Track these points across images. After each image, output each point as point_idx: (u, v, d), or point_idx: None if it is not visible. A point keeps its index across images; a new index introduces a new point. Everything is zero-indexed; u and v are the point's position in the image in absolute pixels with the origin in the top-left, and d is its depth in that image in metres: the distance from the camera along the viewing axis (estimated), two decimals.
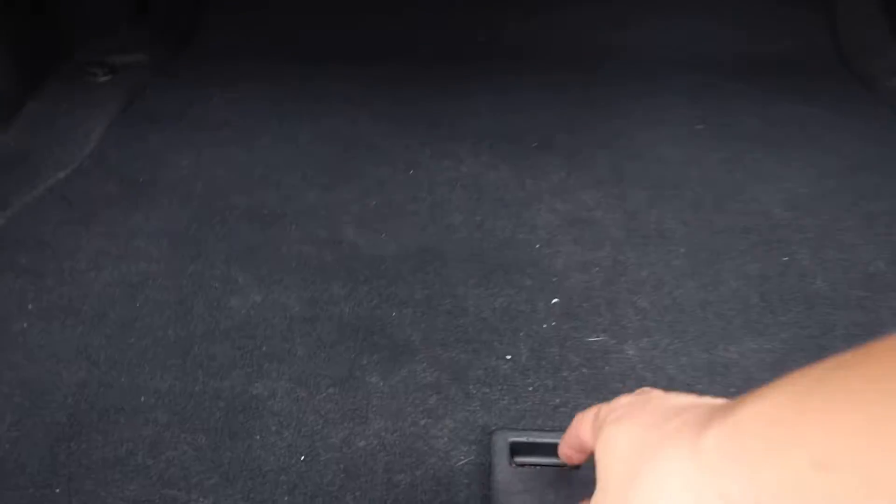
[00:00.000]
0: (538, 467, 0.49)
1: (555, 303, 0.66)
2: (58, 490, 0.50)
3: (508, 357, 0.61)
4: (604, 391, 0.58)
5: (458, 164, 0.84)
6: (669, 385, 0.59)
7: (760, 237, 0.74)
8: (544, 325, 0.64)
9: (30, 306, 0.65)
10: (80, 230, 0.73)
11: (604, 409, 0.37)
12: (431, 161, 0.84)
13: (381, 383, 0.58)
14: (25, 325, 0.63)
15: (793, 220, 0.77)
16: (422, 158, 0.85)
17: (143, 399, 0.57)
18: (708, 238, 0.74)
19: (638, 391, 0.38)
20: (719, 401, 0.34)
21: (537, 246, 0.73)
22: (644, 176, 0.83)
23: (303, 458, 0.53)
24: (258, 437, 0.54)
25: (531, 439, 0.51)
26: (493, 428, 0.54)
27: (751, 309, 0.66)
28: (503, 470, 0.49)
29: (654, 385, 0.59)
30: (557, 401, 0.57)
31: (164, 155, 0.84)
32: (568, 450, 0.40)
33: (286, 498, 0.50)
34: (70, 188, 0.79)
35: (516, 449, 0.51)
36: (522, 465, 0.50)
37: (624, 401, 0.37)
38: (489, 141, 0.88)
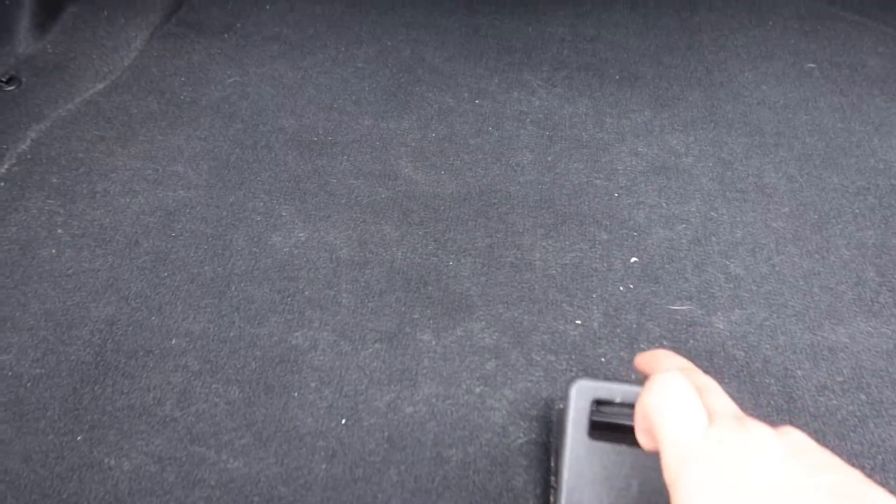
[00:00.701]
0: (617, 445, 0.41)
1: (634, 262, 0.58)
2: (79, 439, 0.46)
3: (578, 322, 0.53)
4: None
5: (529, 96, 0.75)
6: (764, 368, 0.51)
7: (879, 200, 0.64)
8: (620, 287, 0.56)
9: (59, 230, 0.60)
10: (115, 149, 0.68)
11: (689, 416, 0.28)
12: (500, 90, 0.75)
13: (434, 342, 0.52)
14: (54, 251, 0.58)
15: None
16: (490, 87, 0.76)
17: (174, 342, 0.52)
18: (816, 197, 0.64)
19: (764, 426, 0.28)
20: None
21: (616, 194, 0.64)
22: (743, 120, 0.72)
23: (343, 421, 0.47)
24: (296, 393, 0.49)
25: (616, 397, 0.40)
26: (559, 405, 0.47)
27: (865, 284, 0.57)
28: (578, 442, 0.40)
29: (747, 367, 0.51)
30: (633, 376, 0.50)
31: (208, 70, 0.77)
32: (640, 434, 0.32)
33: (323, 466, 0.45)
34: (108, 102, 0.73)
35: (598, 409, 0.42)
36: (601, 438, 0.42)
37: (722, 430, 0.27)
38: (566, 71, 0.78)
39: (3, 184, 0.64)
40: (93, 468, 0.44)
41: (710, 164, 0.67)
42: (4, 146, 0.67)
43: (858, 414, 0.49)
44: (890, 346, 0.53)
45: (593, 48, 0.81)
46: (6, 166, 0.65)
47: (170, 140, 0.69)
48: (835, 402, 0.49)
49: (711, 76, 0.78)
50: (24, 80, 0.78)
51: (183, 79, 0.76)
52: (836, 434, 0.48)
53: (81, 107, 0.72)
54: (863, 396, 0.50)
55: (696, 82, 0.77)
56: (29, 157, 0.66)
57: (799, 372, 0.51)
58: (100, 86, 0.76)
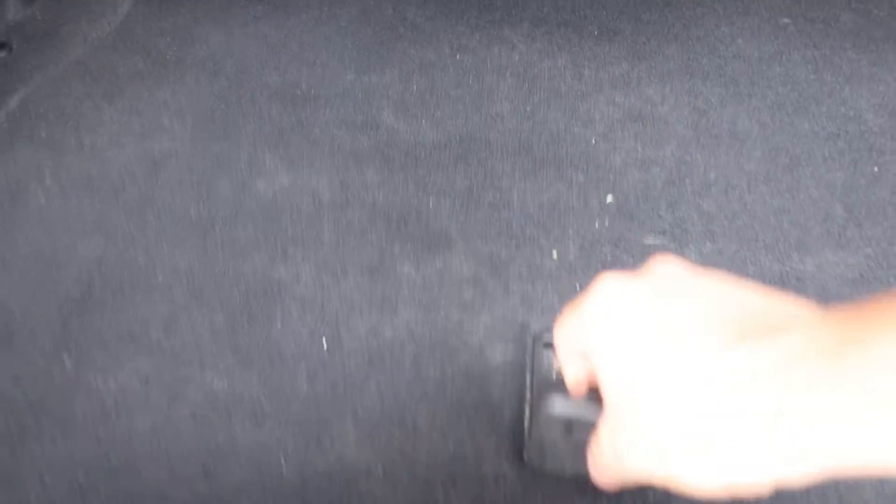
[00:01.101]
0: None
1: (609, 201, 0.60)
2: (67, 361, 0.47)
3: (554, 254, 0.55)
4: None
5: (510, 51, 0.76)
6: None
7: (848, 144, 0.66)
8: (596, 224, 0.58)
9: (48, 181, 0.61)
10: (102, 105, 0.69)
11: (592, 298, 0.30)
12: (481, 46, 0.77)
13: (414, 273, 0.54)
14: (43, 199, 0.59)
15: (888, 127, 0.67)
16: (470, 43, 0.77)
17: (160, 278, 0.53)
18: (787, 142, 0.66)
19: (647, 267, 0.31)
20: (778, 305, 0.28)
21: (593, 141, 0.66)
22: (718, 72, 0.74)
23: (325, 345, 0.49)
24: (279, 322, 0.50)
25: None
26: (536, 330, 0.49)
27: (833, 220, 0.59)
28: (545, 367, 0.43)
29: None
30: None
31: (193, 31, 0.78)
32: (573, 370, 0.34)
33: (305, 385, 0.46)
34: (95, 61, 0.74)
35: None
36: None
37: (617, 285, 0.30)
38: (545, 27, 0.80)
39: None
40: (80, 388, 0.46)
41: (686, 113, 0.69)
42: None
43: None
44: (856, 275, 0.55)
45: (573, 5, 0.83)
46: None
47: (155, 96, 0.70)
48: None
49: (688, 31, 0.80)
50: (14, 46, 0.79)
51: (168, 39, 0.77)
52: None
53: (69, 67, 0.73)
54: None
55: (672, 37, 0.79)
56: (17, 113, 0.68)
57: None
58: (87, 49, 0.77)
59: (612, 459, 0.31)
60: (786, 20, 0.81)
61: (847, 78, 0.73)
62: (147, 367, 0.47)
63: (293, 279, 0.53)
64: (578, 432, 0.34)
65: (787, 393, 0.24)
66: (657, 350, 0.27)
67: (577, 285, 0.53)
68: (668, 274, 0.30)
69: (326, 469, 0.42)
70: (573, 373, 0.33)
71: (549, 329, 0.47)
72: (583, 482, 0.40)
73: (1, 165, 0.62)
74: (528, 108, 0.69)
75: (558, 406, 0.34)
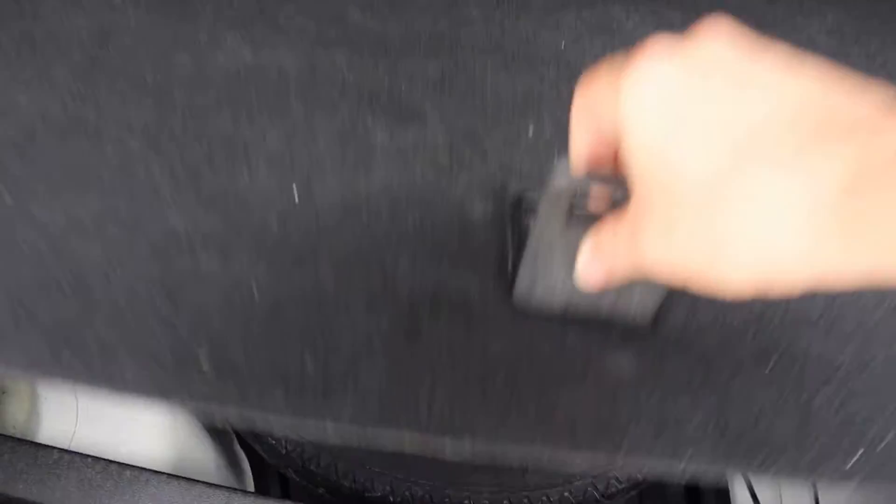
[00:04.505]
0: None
1: None
2: (5, 194, 0.43)
3: (531, 129, 0.54)
4: None
5: None
6: None
7: None
8: (571, 111, 0.57)
9: None
10: None
11: (633, 71, 0.28)
12: None
13: (388, 141, 0.52)
14: None
15: (838, 48, 0.71)
16: None
17: (113, 131, 0.49)
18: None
19: (695, 42, 0.28)
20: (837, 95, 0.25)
21: (562, 46, 0.66)
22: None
23: (297, 198, 0.46)
24: (245, 176, 0.47)
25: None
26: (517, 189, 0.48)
27: None
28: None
29: None
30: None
31: None
32: (582, 144, 0.32)
33: (276, 227, 0.43)
34: None
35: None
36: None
37: (663, 69, 0.27)
38: None
39: None
40: (22, 218, 0.41)
41: (649, 31, 0.70)
42: None
43: None
44: None
45: None
46: None
47: None
48: None
49: None
50: None
51: None
52: None
53: None
54: None
55: None
56: None
57: None
58: None
59: (626, 248, 0.29)
60: None
61: (798, 8, 0.77)
62: (99, 204, 0.43)
63: (260, 139, 0.50)
64: (581, 216, 0.33)
65: (856, 189, 0.22)
66: (709, 139, 0.25)
67: (556, 154, 0.52)
68: (727, 56, 0.27)
69: (303, 297, 0.39)
70: (583, 144, 0.31)
71: (530, 189, 0.46)
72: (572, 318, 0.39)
73: None
74: (497, 16, 0.69)
75: (564, 179, 0.32)
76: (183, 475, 0.60)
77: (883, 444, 0.38)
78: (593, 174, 0.31)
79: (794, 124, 0.24)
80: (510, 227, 0.45)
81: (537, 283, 0.40)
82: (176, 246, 0.41)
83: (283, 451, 0.76)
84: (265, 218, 0.44)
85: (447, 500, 0.76)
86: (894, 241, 0.21)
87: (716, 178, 0.25)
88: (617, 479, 0.78)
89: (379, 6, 0.67)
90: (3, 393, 0.70)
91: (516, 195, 0.47)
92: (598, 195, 0.32)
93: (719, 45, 0.28)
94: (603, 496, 0.78)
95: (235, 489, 0.60)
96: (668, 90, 0.26)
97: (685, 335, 0.41)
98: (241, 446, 0.86)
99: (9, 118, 0.49)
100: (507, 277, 0.42)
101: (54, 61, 0.54)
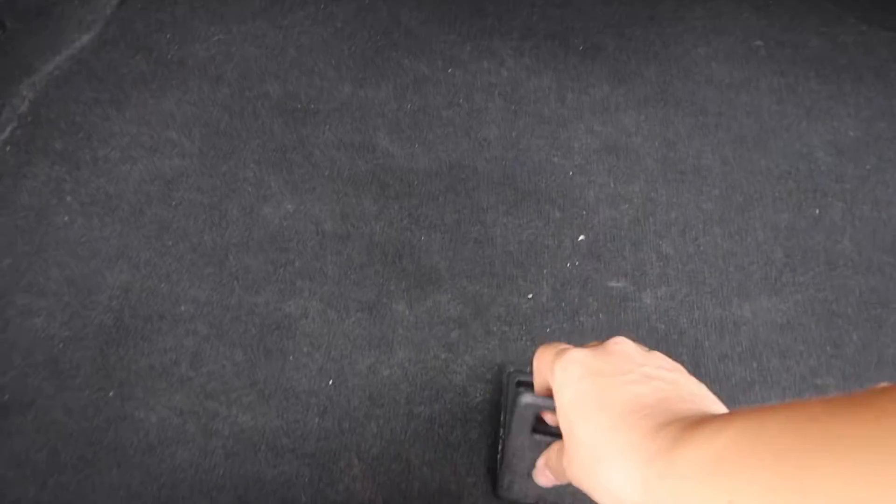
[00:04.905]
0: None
1: (581, 240, 0.67)
2: (111, 394, 0.55)
3: (530, 296, 0.63)
4: None
5: (498, 67, 0.80)
6: (679, 339, 0.62)
7: (797, 184, 0.73)
8: (568, 264, 0.66)
9: (68, 198, 0.66)
10: (111, 113, 0.72)
11: (563, 357, 0.39)
12: (471, 59, 0.80)
13: (408, 312, 0.62)
14: (66, 218, 0.65)
15: (834, 166, 0.75)
16: (462, 55, 0.81)
17: (182, 308, 0.60)
18: (744, 180, 0.73)
19: (606, 343, 0.40)
20: (672, 403, 0.36)
21: (570, 173, 0.72)
22: (691, 99, 0.80)
23: (331, 382, 0.57)
24: (291, 357, 0.58)
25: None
26: (510, 370, 0.58)
27: (772, 264, 0.68)
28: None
29: (665, 339, 0.62)
30: (574, 341, 0.61)
31: (192, 25, 0.80)
32: (539, 388, 0.44)
33: (317, 420, 0.55)
34: (98, 61, 0.76)
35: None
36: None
37: (580, 356, 0.39)
38: (533, 40, 0.83)
39: (9, 148, 0.69)
40: (125, 420, 0.54)
41: (656, 145, 0.75)
42: (1, 101, 0.71)
43: (749, 379, 0.61)
44: (784, 321, 0.64)
45: (561, 15, 0.86)
46: (9, 129, 0.70)
47: (161, 104, 0.73)
48: (731, 369, 0.61)
49: (667, 50, 0.84)
50: (7, 24, 0.80)
51: (168, 35, 0.79)
52: (728, 397, 0.59)
53: (72, 65, 0.76)
54: (755, 364, 0.61)
55: (652, 56, 0.83)
56: (29, 119, 0.71)
57: (707, 343, 0.62)
58: (85, 38, 0.79)
59: (561, 467, 0.42)
60: (758, 42, 0.86)
61: (807, 110, 0.80)
62: (180, 401, 0.55)
63: (302, 314, 0.61)
64: (541, 436, 0.45)
65: (652, 467, 0.33)
66: (596, 415, 0.37)
67: (548, 329, 0.61)
68: (621, 353, 0.39)
69: (337, 500, 0.52)
70: (540, 383, 0.43)
71: (522, 371, 0.57)
72: None
73: (22, 181, 0.66)
74: (513, 134, 0.75)
75: (528, 397, 0.44)
76: None
77: None
78: (549, 397, 0.43)
79: (651, 415, 0.35)
80: (503, 411, 0.56)
81: (515, 480, 0.51)
82: (242, 445, 0.54)
83: None
84: (307, 409, 0.56)
85: None
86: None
87: (594, 441, 0.36)
88: None
89: (406, 128, 0.74)
90: None
91: (509, 378, 0.57)
92: (552, 415, 0.45)
93: (623, 345, 0.39)
94: None
95: None
96: (581, 372, 0.38)
97: None
98: None
99: (99, 297, 0.60)
100: (495, 472, 0.53)
101: (129, 226, 0.64)
